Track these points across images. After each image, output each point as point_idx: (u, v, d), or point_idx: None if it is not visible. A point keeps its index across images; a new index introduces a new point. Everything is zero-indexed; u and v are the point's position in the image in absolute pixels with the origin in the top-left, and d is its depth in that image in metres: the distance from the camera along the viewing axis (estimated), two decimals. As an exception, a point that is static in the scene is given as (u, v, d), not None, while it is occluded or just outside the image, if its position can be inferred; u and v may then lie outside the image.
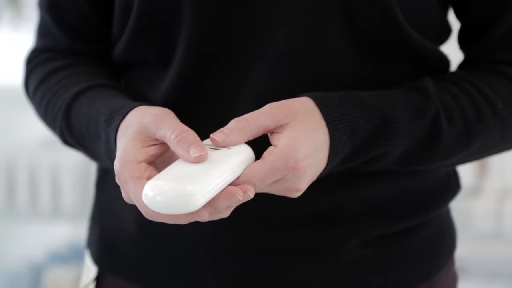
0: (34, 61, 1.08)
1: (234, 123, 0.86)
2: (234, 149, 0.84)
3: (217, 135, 0.85)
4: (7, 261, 2.84)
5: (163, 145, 0.86)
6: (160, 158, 0.87)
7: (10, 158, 2.69)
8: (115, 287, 1.05)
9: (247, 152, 0.85)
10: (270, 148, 0.85)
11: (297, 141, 0.85)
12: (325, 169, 0.89)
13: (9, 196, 2.71)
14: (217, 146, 0.85)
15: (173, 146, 0.83)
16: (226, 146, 0.84)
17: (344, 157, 0.90)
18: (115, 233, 1.05)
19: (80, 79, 1.02)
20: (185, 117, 0.96)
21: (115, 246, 1.05)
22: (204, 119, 0.96)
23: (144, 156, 0.85)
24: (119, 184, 0.86)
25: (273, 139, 0.86)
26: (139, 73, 1.03)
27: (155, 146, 0.86)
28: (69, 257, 2.71)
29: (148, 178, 0.83)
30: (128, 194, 0.85)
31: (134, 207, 1.01)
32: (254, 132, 0.86)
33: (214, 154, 0.83)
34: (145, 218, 1.01)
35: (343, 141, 0.89)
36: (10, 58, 2.77)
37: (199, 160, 0.81)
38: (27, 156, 2.69)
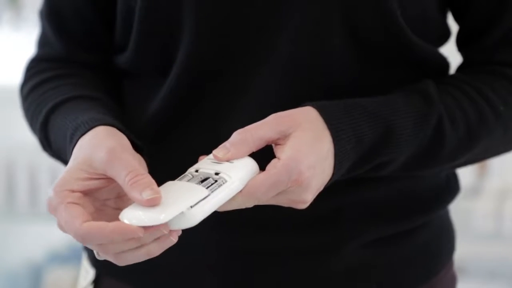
0: (30, 71, 1.07)
1: (235, 135, 0.85)
2: (237, 162, 0.84)
3: (219, 152, 0.84)
4: (7, 261, 2.84)
5: (109, 180, 0.83)
6: (104, 190, 0.84)
7: (10, 158, 2.70)
8: (114, 289, 1.05)
9: (251, 164, 0.84)
10: (273, 161, 0.84)
11: (301, 152, 0.84)
12: (331, 178, 0.88)
13: (9, 196, 2.71)
14: (220, 161, 0.84)
15: (126, 188, 0.80)
16: (229, 160, 0.84)
17: (350, 166, 0.90)
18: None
19: (64, 90, 1.00)
20: (184, 123, 0.96)
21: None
22: (204, 125, 0.96)
23: (81, 188, 0.83)
24: (50, 211, 0.83)
25: (277, 151, 0.85)
26: (138, 81, 1.02)
27: (99, 180, 0.83)
28: (68, 257, 2.71)
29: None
30: (59, 221, 0.82)
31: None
32: (256, 143, 0.85)
33: (216, 168, 0.83)
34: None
35: (348, 150, 0.89)
36: (10, 58, 2.78)
37: (151, 202, 0.78)
38: (27, 156, 2.69)
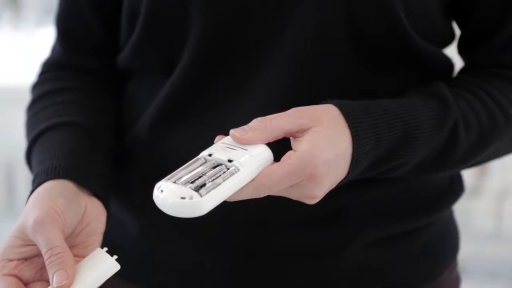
0: (40, 77, 1.08)
1: (255, 122, 0.84)
2: (252, 149, 0.83)
3: (237, 130, 0.83)
4: (7, 261, 2.83)
5: None
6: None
7: (10, 158, 2.69)
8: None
9: (266, 153, 0.83)
10: (289, 152, 0.83)
11: (318, 147, 0.84)
12: (345, 177, 0.88)
13: (9, 196, 2.71)
14: (236, 141, 0.83)
15: (45, 263, 0.83)
16: (245, 143, 0.83)
17: (366, 166, 0.90)
18: (117, 235, 1.05)
19: (50, 113, 1.01)
20: (187, 121, 0.96)
21: (116, 247, 1.05)
22: (207, 124, 0.96)
23: (18, 256, 0.86)
24: None
25: (294, 144, 0.85)
26: (141, 80, 1.02)
27: (34, 246, 0.86)
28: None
29: (16, 276, 0.85)
30: None
31: (136, 211, 1.02)
32: (275, 133, 0.84)
33: (229, 155, 0.82)
34: (147, 221, 1.01)
35: (366, 151, 0.88)
36: (10, 58, 2.77)
37: None
38: (27, 156, 2.69)
